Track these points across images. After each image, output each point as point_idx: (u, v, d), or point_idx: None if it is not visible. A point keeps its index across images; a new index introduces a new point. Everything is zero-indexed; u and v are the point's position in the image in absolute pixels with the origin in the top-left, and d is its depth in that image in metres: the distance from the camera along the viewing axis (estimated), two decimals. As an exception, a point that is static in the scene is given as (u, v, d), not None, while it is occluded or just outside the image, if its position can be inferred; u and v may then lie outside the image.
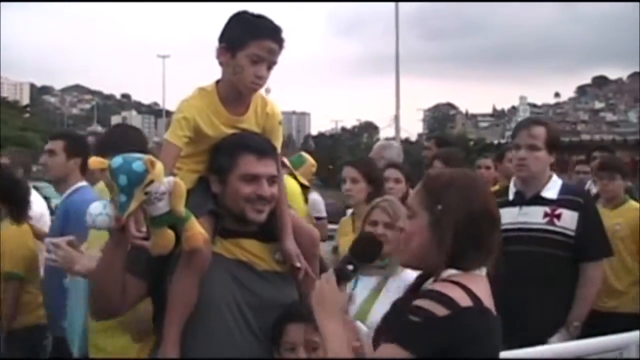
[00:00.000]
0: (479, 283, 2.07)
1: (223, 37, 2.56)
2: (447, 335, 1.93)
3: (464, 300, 1.98)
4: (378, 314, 2.80)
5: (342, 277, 2.19)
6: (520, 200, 4.13)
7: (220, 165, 2.56)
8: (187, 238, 2.35)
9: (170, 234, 2.35)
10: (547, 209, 4.01)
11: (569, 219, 3.97)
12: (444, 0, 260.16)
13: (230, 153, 2.54)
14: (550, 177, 4.14)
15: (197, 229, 2.37)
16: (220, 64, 2.57)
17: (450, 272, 2.05)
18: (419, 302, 1.98)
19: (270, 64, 2.54)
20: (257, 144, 2.56)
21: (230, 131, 2.58)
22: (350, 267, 2.21)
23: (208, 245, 2.46)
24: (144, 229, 2.33)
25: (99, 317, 2.66)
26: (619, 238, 5.47)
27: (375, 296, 3.39)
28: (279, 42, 2.54)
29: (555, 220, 3.98)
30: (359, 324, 2.26)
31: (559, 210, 3.98)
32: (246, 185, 2.52)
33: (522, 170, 4.10)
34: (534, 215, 4.04)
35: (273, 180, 2.56)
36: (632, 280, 5.51)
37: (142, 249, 2.36)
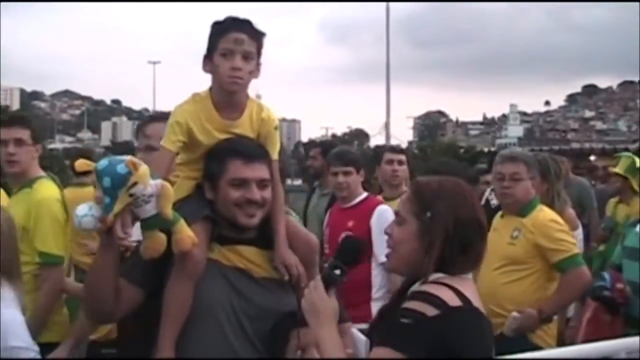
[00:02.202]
0: (467, 285, 2.11)
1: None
2: (439, 334, 1.96)
3: (453, 300, 2.01)
4: None
5: (330, 283, 2.20)
6: None
7: (211, 171, 2.56)
8: (175, 241, 2.36)
9: (161, 237, 2.36)
10: None
11: None
12: (435, 0, 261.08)
13: (219, 159, 2.54)
14: None
15: (186, 233, 2.37)
16: (208, 73, 2.58)
17: (437, 275, 2.08)
18: (409, 304, 2.01)
19: (245, 54, 2.52)
20: (245, 148, 2.55)
21: (223, 136, 2.57)
22: (338, 272, 2.22)
23: (201, 250, 2.46)
24: (130, 230, 2.33)
25: (92, 320, 2.65)
26: None
27: None
28: (245, 31, 2.53)
29: None
30: (355, 331, 2.26)
31: None
32: (235, 190, 2.51)
33: None
34: None
35: (264, 184, 2.55)
36: None
37: (139, 255, 2.37)
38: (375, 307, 4.44)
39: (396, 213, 2.23)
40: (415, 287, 2.11)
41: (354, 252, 2.30)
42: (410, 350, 1.95)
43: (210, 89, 2.59)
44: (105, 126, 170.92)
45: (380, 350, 2.00)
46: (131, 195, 2.25)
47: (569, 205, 4.99)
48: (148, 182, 2.27)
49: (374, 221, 4.67)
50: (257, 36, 2.56)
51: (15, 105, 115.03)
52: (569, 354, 3.50)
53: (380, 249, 3.98)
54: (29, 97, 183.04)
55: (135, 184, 2.23)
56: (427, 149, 56.63)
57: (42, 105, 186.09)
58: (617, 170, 6.53)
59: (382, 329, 2.07)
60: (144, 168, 2.26)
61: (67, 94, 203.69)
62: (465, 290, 2.06)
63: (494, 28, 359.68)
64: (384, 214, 4.64)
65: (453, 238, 2.07)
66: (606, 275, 4.45)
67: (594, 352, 3.44)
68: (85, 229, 2.34)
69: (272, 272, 2.60)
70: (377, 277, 4.64)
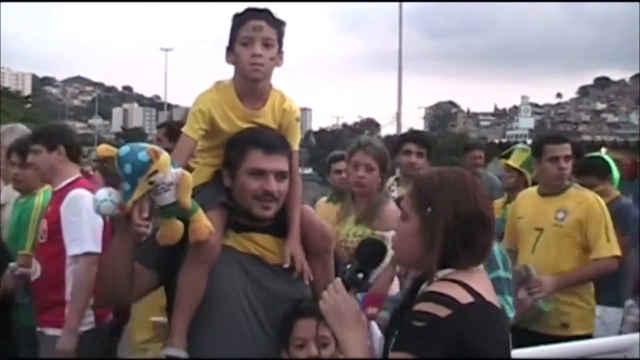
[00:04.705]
0: (478, 278, 2.05)
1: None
2: (455, 334, 1.91)
3: (464, 297, 1.96)
4: None
5: (353, 286, 2.19)
6: None
7: (230, 160, 2.57)
8: (192, 230, 2.39)
9: (178, 225, 2.38)
10: None
11: None
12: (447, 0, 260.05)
13: (239, 147, 2.55)
14: None
15: (203, 222, 2.39)
16: (231, 64, 2.58)
17: (445, 271, 2.03)
18: (420, 307, 1.97)
19: (265, 41, 2.52)
20: (267, 139, 2.55)
21: (246, 125, 2.58)
22: (361, 276, 2.20)
23: (216, 237, 2.47)
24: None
25: (106, 302, 2.69)
26: None
27: None
28: (263, 18, 2.54)
29: None
30: (373, 325, 2.25)
31: None
32: (253, 180, 2.52)
33: None
34: None
35: (282, 176, 2.56)
36: None
37: (155, 240, 2.40)
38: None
39: (400, 208, 2.19)
40: (425, 286, 2.08)
41: (374, 254, 2.28)
42: (428, 353, 1.91)
43: (234, 78, 2.60)
44: (117, 112, 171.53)
45: (398, 355, 1.96)
46: (151, 183, 2.26)
47: (389, 201, 4.05)
48: (168, 171, 2.29)
49: (63, 207, 4.03)
50: (276, 23, 2.57)
51: (27, 91, 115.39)
52: (582, 348, 3.49)
53: (68, 239, 3.84)
54: (40, 83, 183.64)
55: (155, 172, 2.25)
56: (438, 140, 56.43)
57: (54, 91, 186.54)
58: (511, 163, 5.80)
59: (398, 332, 2.03)
60: (165, 156, 2.28)
61: (78, 80, 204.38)
62: (476, 285, 2.01)
63: (507, 19, 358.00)
64: (73, 199, 4.00)
65: (455, 234, 2.01)
66: (358, 296, 3.78)
67: (609, 347, 3.44)
68: (104, 214, 2.36)
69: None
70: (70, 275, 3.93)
